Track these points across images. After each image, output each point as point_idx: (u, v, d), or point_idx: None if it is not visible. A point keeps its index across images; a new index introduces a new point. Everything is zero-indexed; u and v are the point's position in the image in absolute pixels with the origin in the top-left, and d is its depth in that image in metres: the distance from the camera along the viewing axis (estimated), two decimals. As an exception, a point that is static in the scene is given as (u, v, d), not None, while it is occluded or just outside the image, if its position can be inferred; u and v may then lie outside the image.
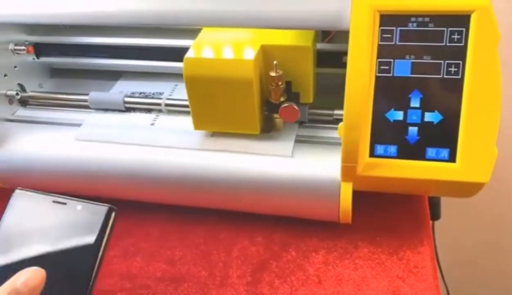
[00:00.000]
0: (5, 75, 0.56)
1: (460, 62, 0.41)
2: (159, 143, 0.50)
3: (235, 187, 0.49)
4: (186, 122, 0.51)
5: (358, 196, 0.47)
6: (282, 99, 0.47)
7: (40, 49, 0.59)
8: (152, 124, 0.53)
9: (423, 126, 0.43)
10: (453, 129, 0.42)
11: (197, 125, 0.50)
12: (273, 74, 0.46)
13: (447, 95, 0.42)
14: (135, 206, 0.54)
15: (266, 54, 0.47)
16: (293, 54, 0.47)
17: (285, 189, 0.48)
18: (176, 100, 0.54)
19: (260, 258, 0.50)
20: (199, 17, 0.45)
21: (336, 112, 0.49)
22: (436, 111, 0.42)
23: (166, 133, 0.52)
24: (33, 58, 0.59)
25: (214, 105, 0.48)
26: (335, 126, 0.44)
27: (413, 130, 0.43)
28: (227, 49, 0.47)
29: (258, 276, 0.48)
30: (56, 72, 0.63)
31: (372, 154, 0.44)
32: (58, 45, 0.59)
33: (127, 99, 0.55)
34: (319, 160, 0.47)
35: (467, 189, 0.44)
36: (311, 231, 0.52)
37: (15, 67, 0.57)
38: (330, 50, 0.51)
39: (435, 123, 0.42)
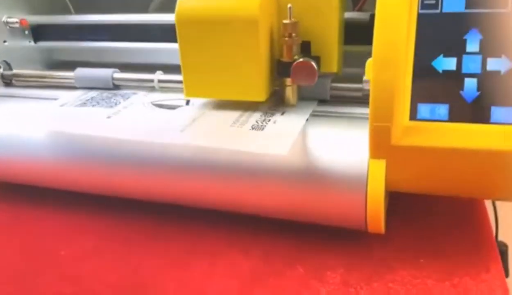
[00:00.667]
0: (-10, 46, 0.50)
1: (535, -9, 0.31)
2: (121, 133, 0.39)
3: (225, 178, 0.37)
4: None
5: (395, 201, 0.34)
6: (297, 58, 0.37)
7: (38, 34, 0.54)
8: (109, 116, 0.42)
9: (486, 77, 0.31)
10: (529, 80, 0.30)
11: (189, 91, 0.39)
12: (286, 21, 0.37)
13: (518, 35, 0.31)
14: (101, 200, 0.43)
15: (281, 2, 0.38)
16: (313, 4, 0.37)
17: (289, 178, 0.35)
18: (172, 75, 0.45)
19: (254, 273, 0.36)
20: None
21: (367, 86, 0.38)
22: (503, 56, 0.31)
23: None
24: (29, 41, 0.54)
25: (210, 61, 0.37)
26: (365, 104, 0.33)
27: (471, 82, 0.31)
28: None
29: (247, 292, 0.34)
30: (55, 65, 0.57)
31: (414, 117, 0.32)
32: (57, 27, 0.53)
33: (116, 75, 0.46)
34: (338, 137, 0.35)
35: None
36: (327, 244, 0.38)
37: (5, 41, 0.51)
38: (361, 20, 0.41)
39: (502, 72, 0.31)
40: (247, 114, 0.39)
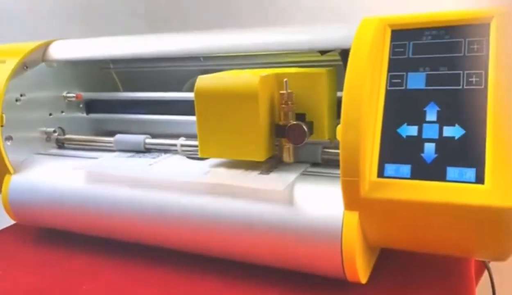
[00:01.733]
0: (50, 114, 0.60)
1: (483, 71, 0.36)
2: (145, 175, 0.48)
3: (217, 226, 0.44)
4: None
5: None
6: (292, 122, 0.44)
7: (90, 107, 0.65)
8: (151, 164, 0.51)
9: (442, 142, 0.36)
10: (478, 145, 0.35)
11: (203, 151, 0.47)
12: (283, 92, 0.44)
13: (469, 107, 0.36)
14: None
15: (280, 82, 0.45)
16: (306, 82, 0.45)
17: (275, 226, 0.41)
18: (192, 141, 0.52)
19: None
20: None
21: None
22: (456, 125, 0.36)
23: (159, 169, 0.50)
24: (82, 113, 0.64)
25: (220, 127, 0.45)
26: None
27: (430, 146, 0.36)
28: (242, 73, 0.47)
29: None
30: (102, 133, 0.67)
31: (382, 174, 0.37)
32: (105, 102, 0.64)
33: (147, 141, 0.55)
34: (321, 193, 0.41)
35: (503, 221, 0.33)
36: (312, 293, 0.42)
37: (62, 112, 0.62)
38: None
39: (456, 138, 0.36)
40: (254, 167, 0.46)
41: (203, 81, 0.46)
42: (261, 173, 0.45)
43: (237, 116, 0.44)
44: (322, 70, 0.45)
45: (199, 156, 0.48)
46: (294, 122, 0.44)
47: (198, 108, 0.46)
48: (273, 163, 0.46)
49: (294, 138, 0.44)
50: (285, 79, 0.44)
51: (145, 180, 0.48)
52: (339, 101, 0.46)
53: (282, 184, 0.41)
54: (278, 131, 0.45)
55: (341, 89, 0.39)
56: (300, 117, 0.45)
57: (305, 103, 0.45)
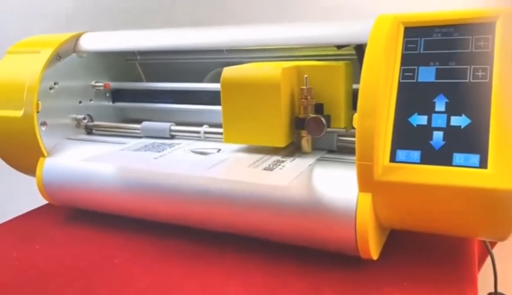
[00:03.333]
0: (80, 102, 0.64)
1: (488, 67, 0.40)
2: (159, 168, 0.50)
3: (240, 207, 0.47)
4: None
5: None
6: (311, 115, 0.48)
7: (116, 96, 0.69)
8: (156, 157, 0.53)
9: (449, 130, 0.39)
10: (483, 133, 0.38)
11: (227, 137, 0.50)
12: (303, 87, 0.48)
13: (474, 99, 0.39)
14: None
15: (301, 74, 0.49)
16: (324, 74, 0.48)
17: (295, 206, 0.44)
18: (215, 128, 0.56)
19: (263, 285, 0.44)
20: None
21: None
22: (463, 115, 0.39)
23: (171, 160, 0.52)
24: (109, 101, 0.68)
25: (244, 115, 0.49)
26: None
27: (438, 134, 0.40)
28: (265, 66, 0.50)
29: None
30: (127, 121, 0.71)
31: (393, 159, 0.40)
32: (131, 92, 0.68)
33: (172, 127, 0.59)
34: (337, 176, 0.44)
35: (504, 203, 0.37)
36: (327, 269, 0.46)
37: (91, 100, 0.66)
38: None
39: (462, 127, 0.39)
40: (262, 160, 0.49)
41: (229, 72, 0.50)
42: (270, 166, 0.47)
43: (260, 105, 0.48)
44: (340, 63, 0.49)
45: (223, 142, 0.51)
46: (313, 116, 0.47)
47: (224, 97, 0.50)
48: (289, 151, 0.50)
49: (313, 131, 0.47)
50: (305, 76, 0.48)
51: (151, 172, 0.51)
52: (354, 93, 0.51)
53: (286, 179, 0.44)
54: (298, 123, 0.49)
55: (356, 82, 0.42)
56: (319, 107, 0.49)
57: (323, 94, 0.49)
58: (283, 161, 0.48)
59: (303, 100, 0.48)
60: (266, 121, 0.48)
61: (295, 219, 0.45)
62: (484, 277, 0.59)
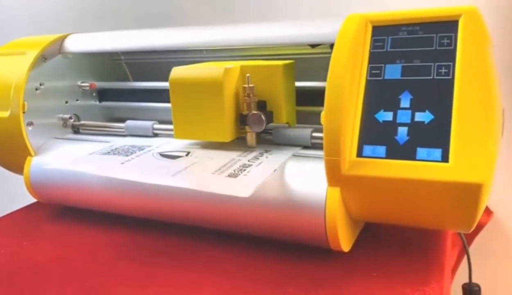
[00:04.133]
0: (66, 102, 0.66)
1: (451, 63, 0.41)
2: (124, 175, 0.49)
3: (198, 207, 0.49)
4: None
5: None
6: (253, 112, 0.51)
7: (102, 95, 0.70)
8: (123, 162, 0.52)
9: (414, 126, 0.41)
10: (445, 128, 0.40)
11: (177, 133, 0.54)
12: (245, 85, 0.51)
13: (438, 95, 0.41)
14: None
15: (244, 73, 0.52)
16: (265, 73, 0.52)
17: (267, 200, 0.46)
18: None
19: (238, 274, 0.46)
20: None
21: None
22: (427, 111, 0.41)
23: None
24: (95, 101, 0.70)
25: (191, 112, 0.52)
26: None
27: (402, 130, 0.41)
28: (210, 65, 0.54)
29: (232, 286, 0.44)
30: (113, 120, 0.72)
31: (360, 154, 0.42)
32: (117, 91, 0.69)
33: (155, 126, 0.60)
34: (308, 171, 0.46)
35: (464, 195, 0.38)
36: (298, 260, 0.47)
37: (77, 100, 0.67)
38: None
39: (426, 123, 0.40)
40: (228, 164, 0.49)
41: (177, 71, 0.53)
42: (235, 171, 0.47)
43: (205, 103, 0.51)
44: (280, 63, 0.52)
45: (174, 137, 0.54)
46: (254, 112, 0.51)
47: (172, 96, 0.53)
48: (247, 151, 0.52)
49: (254, 126, 0.51)
50: (247, 75, 0.51)
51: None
52: (297, 91, 0.54)
53: (248, 189, 0.43)
54: (242, 120, 0.52)
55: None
56: (261, 104, 0.52)
57: (265, 92, 0.52)
58: (249, 165, 0.48)
59: (246, 97, 0.51)
60: (211, 118, 0.51)
61: (267, 214, 0.46)
62: (459, 269, 0.61)
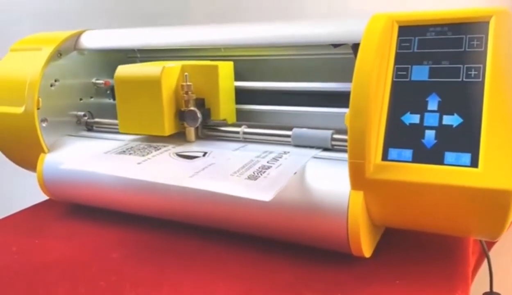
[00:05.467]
0: (80, 99, 0.65)
1: (481, 66, 0.40)
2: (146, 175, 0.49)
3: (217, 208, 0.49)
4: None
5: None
6: (191, 108, 0.54)
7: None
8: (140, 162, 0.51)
9: (442, 129, 0.40)
10: (474, 132, 0.38)
11: (122, 127, 0.57)
12: (183, 83, 0.54)
13: (467, 98, 0.39)
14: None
15: (184, 71, 0.55)
16: (203, 73, 0.55)
17: (288, 203, 0.45)
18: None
19: (255, 277, 0.45)
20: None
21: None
22: (455, 114, 0.39)
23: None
24: (109, 98, 0.69)
25: (134, 108, 0.55)
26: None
27: (430, 133, 0.40)
28: (151, 64, 0.56)
29: (247, 289, 0.42)
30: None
31: (385, 158, 0.41)
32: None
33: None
34: (332, 173, 0.44)
35: (494, 202, 0.37)
36: (319, 265, 0.46)
37: (91, 97, 0.66)
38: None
39: (454, 126, 0.39)
40: (247, 166, 0.47)
41: (121, 70, 0.56)
42: (254, 173, 0.45)
43: (146, 99, 0.54)
44: (216, 63, 0.55)
45: (119, 131, 0.57)
46: (190, 109, 0.54)
47: (117, 93, 0.56)
48: (280, 151, 0.51)
49: (189, 122, 0.55)
50: (185, 73, 0.54)
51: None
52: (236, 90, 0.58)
53: (269, 193, 0.41)
54: (180, 116, 0.55)
55: (351, 80, 0.43)
56: (200, 102, 0.56)
57: (204, 90, 0.55)
58: (269, 167, 0.47)
59: (184, 95, 0.54)
60: (151, 113, 0.54)
61: (287, 217, 0.45)
62: (480, 277, 0.59)
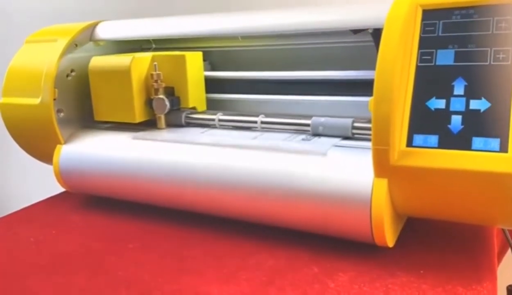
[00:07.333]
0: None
1: (510, 48, 0.38)
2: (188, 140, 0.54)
3: (255, 191, 0.47)
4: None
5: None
6: (159, 96, 0.57)
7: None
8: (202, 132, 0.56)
9: (468, 114, 0.38)
10: (503, 117, 0.37)
11: (97, 115, 0.60)
12: (153, 72, 0.57)
13: (495, 82, 0.38)
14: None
15: (154, 61, 0.57)
16: (172, 62, 0.57)
17: (310, 192, 0.44)
18: (230, 116, 0.57)
19: (276, 268, 0.44)
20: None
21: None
22: (483, 98, 0.38)
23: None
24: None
25: (107, 96, 0.58)
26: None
27: (456, 118, 0.39)
28: (122, 55, 0.59)
29: (269, 280, 0.42)
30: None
31: (410, 144, 0.40)
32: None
33: (188, 115, 0.59)
34: (354, 161, 0.44)
35: (525, 187, 0.36)
36: (342, 255, 0.45)
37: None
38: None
39: (482, 111, 0.38)
40: (291, 138, 0.51)
41: (95, 60, 0.59)
42: (307, 137, 0.51)
43: (118, 88, 0.57)
44: (184, 53, 0.58)
45: (94, 118, 0.60)
46: (159, 97, 0.56)
47: (92, 82, 0.59)
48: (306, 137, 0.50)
49: (158, 109, 0.57)
50: (154, 63, 0.57)
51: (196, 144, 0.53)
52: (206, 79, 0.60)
53: (324, 149, 0.46)
54: (150, 103, 0.58)
55: (373, 67, 0.42)
56: (170, 90, 0.58)
57: (173, 79, 0.58)
58: (309, 140, 0.50)
59: (154, 83, 0.57)
60: (122, 102, 0.57)
61: (309, 207, 0.44)
62: (503, 268, 0.58)
